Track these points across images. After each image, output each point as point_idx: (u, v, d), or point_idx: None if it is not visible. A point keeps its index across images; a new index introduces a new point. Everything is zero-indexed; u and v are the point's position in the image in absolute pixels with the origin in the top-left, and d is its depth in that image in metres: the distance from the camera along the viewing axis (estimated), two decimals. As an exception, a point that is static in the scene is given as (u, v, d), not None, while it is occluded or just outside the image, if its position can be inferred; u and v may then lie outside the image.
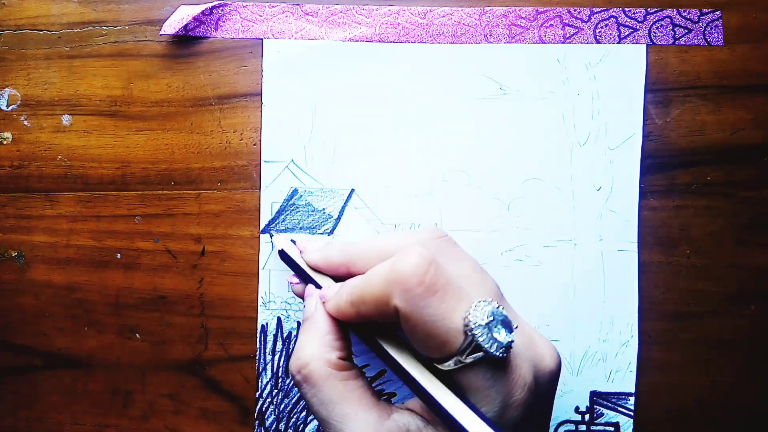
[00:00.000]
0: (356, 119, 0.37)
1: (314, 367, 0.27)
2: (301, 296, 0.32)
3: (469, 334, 0.24)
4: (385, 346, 0.27)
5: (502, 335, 0.24)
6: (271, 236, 0.36)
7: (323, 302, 0.29)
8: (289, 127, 0.37)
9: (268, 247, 0.36)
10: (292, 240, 0.34)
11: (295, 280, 0.33)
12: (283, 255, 0.33)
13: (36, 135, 0.37)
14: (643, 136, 0.36)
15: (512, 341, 0.24)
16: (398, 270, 0.24)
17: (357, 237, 0.36)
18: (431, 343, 0.24)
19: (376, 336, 0.27)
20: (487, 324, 0.24)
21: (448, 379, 0.25)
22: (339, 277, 0.30)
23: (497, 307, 0.24)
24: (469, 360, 0.24)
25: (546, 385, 0.27)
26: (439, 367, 0.24)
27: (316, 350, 0.28)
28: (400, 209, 0.36)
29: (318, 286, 0.30)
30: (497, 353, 0.24)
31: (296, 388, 0.36)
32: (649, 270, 0.36)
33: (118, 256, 0.37)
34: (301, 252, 0.32)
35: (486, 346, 0.23)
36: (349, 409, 0.26)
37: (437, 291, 0.24)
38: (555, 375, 0.27)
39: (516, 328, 0.25)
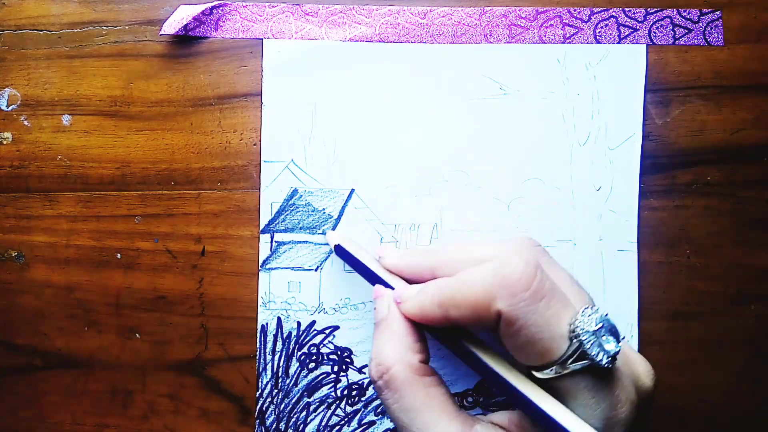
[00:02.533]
0: (356, 119, 0.37)
1: (396, 371, 0.26)
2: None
3: (575, 341, 0.23)
4: (476, 352, 0.26)
5: (610, 344, 0.23)
6: (324, 234, 0.35)
7: (398, 303, 0.28)
8: (289, 127, 0.37)
9: (267, 247, 0.36)
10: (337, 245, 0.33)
11: (381, 289, 0.32)
12: (341, 251, 0.32)
13: (36, 135, 0.37)
14: (643, 136, 0.36)
15: (619, 351, 0.23)
16: (504, 273, 0.24)
17: (359, 233, 0.36)
18: (533, 350, 0.23)
19: (462, 340, 0.26)
20: (595, 331, 0.23)
21: (543, 388, 0.24)
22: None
23: (605, 315, 0.24)
24: (573, 368, 0.23)
25: (644, 404, 0.26)
26: (537, 374, 0.24)
27: (397, 354, 0.26)
28: (400, 209, 0.36)
29: (387, 286, 0.29)
30: (604, 362, 0.23)
31: (291, 388, 0.36)
32: (649, 270, 0.36)
33: (118, 256, 0.37)
34: (380, 258, 0.31)
35: (593, 353, 0.23)
36: (432, 418, 0.25)
37: (544, 296, 0.23)
38: (652, 395, 0.26)
39: (623, 338, 0.24)
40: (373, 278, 0.30)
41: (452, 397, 0.27)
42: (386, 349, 0.27)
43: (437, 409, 0.25)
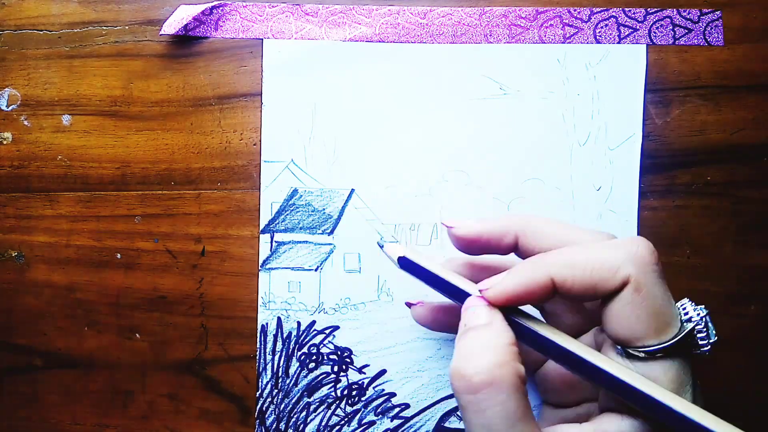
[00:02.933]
0: (356, 119, 0.37)
1: (507, 371, 0.23)
2: (423, 322, 0.32)
3: (687, 324, 0.24)
4: (565, 344, 0.25)
5: (713, 333, 0.25)
6: (381, 246, 0.30)
7: (484, 291, 0.26)
8: (289, 127, 0.37)
9: (267, 247, 0.36)
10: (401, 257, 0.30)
11: (415, 302, 0.31)
12: (406, 263, 0.29)
13: (36, 135, 0.37)
14: (643, 136, 0.36)
15: (716, 341, 0.25)
16: (635, 245, 0.24)
17: (359, 233, 0.36)
18: (655, 322, 0.24)
19: (543, 333, 0.25)
20: (703, 317, 0.24)
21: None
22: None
23: (702, 307, 0.25)
24: (678, 348, 0.24)
25: None
26: (641, 351, 0.24)
27: (508, 356, 0.24)
28: (400, 209, 0.36)
29: (461, 294, 0.27)
30: (706, 349, 0.24)
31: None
32: (649, 270, 0.36)
33: (118, 256, 0.37)
34: (451, 228, 0.29)
35: (700, 337, 0.24)
36: (532, 429, 0.23)
37: (664, 277, 0.24)
38: None
39: (715, 336, 0.25)
40: (446, 288, 0.28)
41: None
42: (492, 351, 0.24)
43: (533, 422, 0.23)
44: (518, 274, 0.25)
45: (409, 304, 0.34)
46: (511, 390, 0.23)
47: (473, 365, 0.23)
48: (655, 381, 0.24)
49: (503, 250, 0.28)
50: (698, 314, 0.24)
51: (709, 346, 0.24)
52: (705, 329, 0.24)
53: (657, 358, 0.24)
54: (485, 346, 0.24)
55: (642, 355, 0.24)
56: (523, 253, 0.28)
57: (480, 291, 0.26)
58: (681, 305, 0.25)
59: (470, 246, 0.29)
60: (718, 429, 0.23)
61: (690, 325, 0.24)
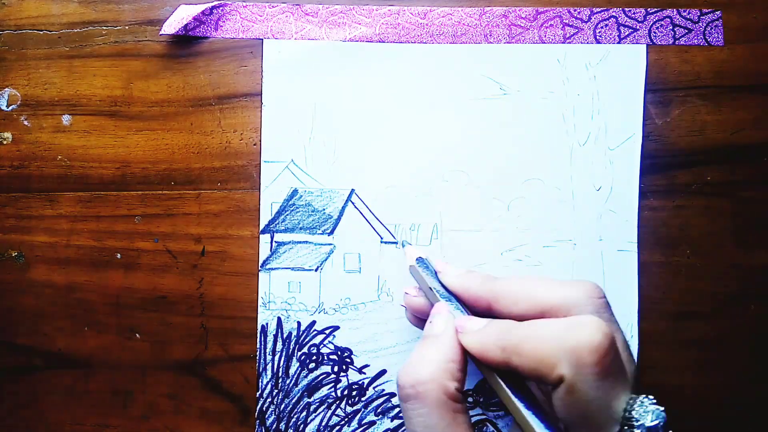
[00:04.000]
0: (356, 119, 0.37)
1: (431, 388, 0.25)
2: (413, 309, 0.32)
3: (628, 429, 0.23)
4: (516, 401, 0.25)
5: None
6: (403, 246, 0.35)
7: (458, 332, 0.27)
8: (289, 127, 0.37)
9: (267, 247, 0.36)
10: (419, 258, 0.33)
11: (413, 292, 0.32)
12: (414, 269, 0.32)
13: (36, 135, 0.37)
14: (643, 136, 0.36)
15: None
16: (578, 340, 0.23)
17: (359, 233, 0.36)
18: (585, 425, 0.23)
19: (509, 385, 0.26)
20: (650, 428, 0.23)
21: None
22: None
23: (662, 411, 0.23)
24: None
25: None
26: None
27: (437, 372, 0.26)
28: (400, 209, 0.36)
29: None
30: None
31: (290, 393, 0.36)
32: (649, 270, 0.36)
33: (118, 256, 0.37)
34: (437, 272, 0.31)
35: None
36: None
37: (609, 375, 0.23)
38: None
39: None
40: (439, 298, 0.30)
41: (473, 428, 0.27)
42: (428, 365, 0.26)
43: None
44: (481, 343, 0.27)
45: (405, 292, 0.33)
46: (433, 406, 0.25)
47: (408, 376, 0.26)
48: None
49: (481, 310, 0.29)
50: (641, 424, 0.23)
51: None
52: None
53: None
54: (426, 359, 0.27)
55: None
56: (499, 317, 0.28)
57: (456, 328, 0.28)
58: (629, 407, 0.23)
59: (456, 295, 0.30)
60: None
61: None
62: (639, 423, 0.23)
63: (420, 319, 0.32)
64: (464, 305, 0.30)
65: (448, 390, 0.26)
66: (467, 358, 0.27)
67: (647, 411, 0.23)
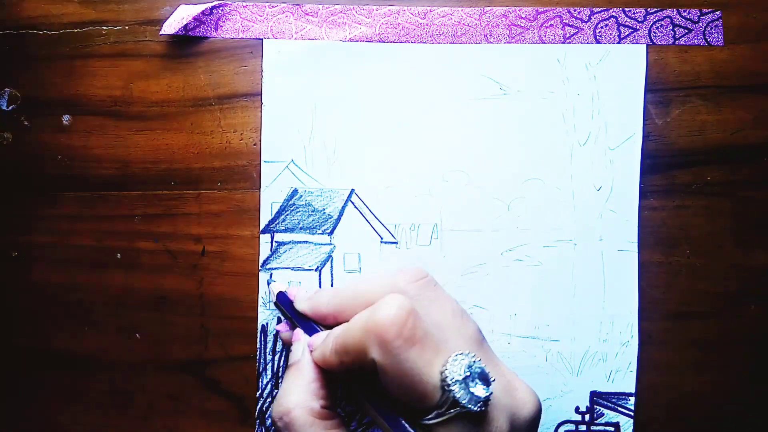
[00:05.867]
0: (356, 119, 0.37)
1: (296, 414, 0.27)
2: (289, 344, 0.32)
3: (447, 389, 0.23)
4: (366, 400, 0.27)
5: (479, 390, 0.24)
6: (269, 283, 0.36)
7: (311, 350, 0.29)
8: (289, 127, 0.37)
9: (267, 247, 0.36)
10: (279, 292, 0.34)
11: (284, 328, 0.33)
12: (281, 301, 0.33)
13: (36, 135, 0.37)
14: (643, 136, 0.36)
15: (490, 395, 0.24)
16: (375, 320, 0.24)
17: (359, 233, 0.36)
18: (409, 397, 0.24)
19: (358, 389, 0.27)
20: (464, 379, 0.23)
21: None
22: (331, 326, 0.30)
23: (474, 360, 0.24)
24: (448, 415, 0.23)
25: (525, 431, 0.27)
26: (422, 421, 0.24)
27: (300, 397, 0.28)
28: (400, 209, 0.36)
29: (309, 334, 0.31)
30: (475, 408, 0.23)
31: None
32: (649, 270, 0.36)
33: (118, 256, 0.37)
34: (291, 301, 0.32)
35: (463, 401, 0.23)
36: None
37: (416, 343, 0.24)
38: (534, 421, 0.27)
39: (494, 380, 0.25)
40: (300, 325, 0.32)
41: None
42: (290, 393, 0.28)
43: None
44: (321, 352, 0.28)
45: (275, 330, 0.35)
46: (303, 428, 0.27)
47: (277, 409, 0.28)
48: None
49: (335, 325, 0.30)
50: (454, 380, 0.23)
51: (479, 405, 0.23)
52: (467, 395, 0.23)
53: (434, 427, 0.24)
54: (289, 386, 0.28)
55: (424, 422, 0.24)
56: None
57: (308, 348, 0.30)
58: (443, 368, 0.24)
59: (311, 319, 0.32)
60: None
61: (447, 393, 0.23)
62: (453, 380, 0.23)
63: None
64: (321, 326, 0.31)
65: (314, 410, 0.27)
66: (331, 376, 0.29)
67: (459, 365, 0.24)
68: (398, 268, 0.30)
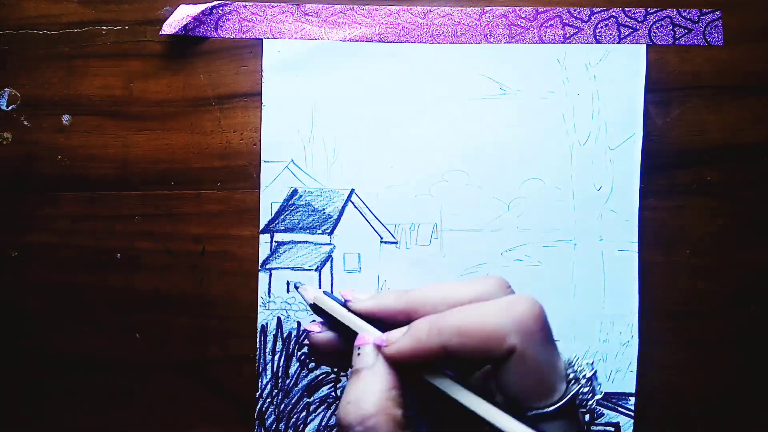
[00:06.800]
0: (356, 119, 0.37)
1: (380, 421, 0.26)
2: (321, 346, 0.30)
3: (574, 383, 0.25)
4: (462, 397, 0.26)
5: (598, 389, 0.26)
6: (297, 288, 0.32)
7: (383, 346, 0.28)
8: (289, 127, 0.37)
9: (267, 247, 0.36)
10: (325, 291, 0.32)
11: (317, 329, 0.31)
12: (317, 307, 0.31)
13: (36, 135, 0.37)
14: (643, 136, 0.36)
15: (602, 396, 0.26)
16: (521, 311, 0.25)
17: (359, 233, 0.36)
18: (539, 388, 0.25)
19: (453, 384, 0.26)
20: (590, 377, 0.25)
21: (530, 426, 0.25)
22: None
23: (591, 363, 0.26)
24: (564, 406, 0.25)
25: None
26: (537, 412, 0.25)
27: (382, 403, 0.26)
28: (400, 209, 0.36)
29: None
30: (592, 405, 0.25)
31: (296, 393, 0.36)
32: (649, 270, 0.36)
33: (118, 256, 0.37)
34: (347, 301, 0.30)
35: (587, 397, 0.25)
36: None
37: (551, 340, 0.25)
38: None
39: (600, 385, 0.27)
40: (347, 330, 0.30)
41: None
42: (371, 397, 0.26)
43: None
44: (413, 337, 0.27)
45: (306, 330, 0.32)
46: None
47: (353, 414, 0.26)
48: None
49: (400, 325, 0.29)
50: (584, 375, 0.25)
51: (594, 404, 0.26)
52: (590, 391, 0.25)
53: (544, 418, 0.25)
54: (366, 391, 0.27)
55: (538, 412, 0.25)
56: None
57: (377, 345, 0.28)
58: (568, 365, 0.26)
59: (370, 317, 0.30)
60: None
61: (575, 388, 0.25)
62: (582, 374, 0.25)
63: (325, 355, 0.31)
64: (379, 329, 0.29)
65: (396, 418, 0.26)
66: (405, 384, 0.28)
67: (584, 366, 0.26)
68: (482, 276, 0.31)
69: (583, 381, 0.25)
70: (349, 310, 0.30)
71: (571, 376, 0.25)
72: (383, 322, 0.29)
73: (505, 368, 0.25)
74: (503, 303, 0.26)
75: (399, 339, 0.27)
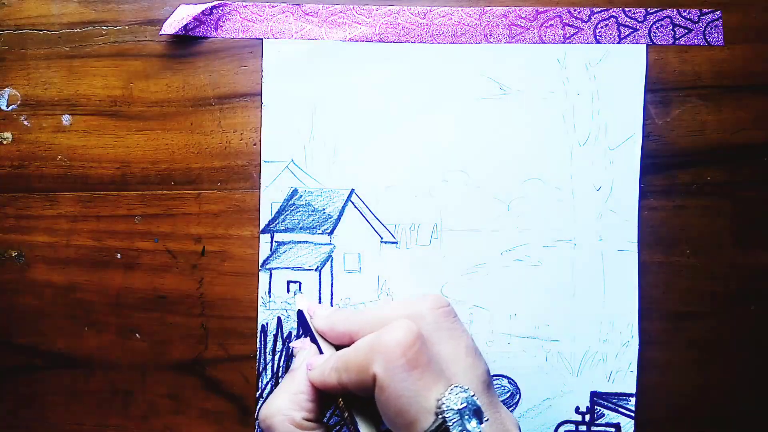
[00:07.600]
0: (356, 119, 0.37)
1: (277, 420, 0.29)
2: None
3: (440, 416, 0.24)
4: (352, 421, 0.28)
5: (472, 424, 0.24)
6: (295, 294, 0.36)
7: (309, 369, 0.30)
8: (289, 127, 0.37)
9: (267, 247, 0.36)
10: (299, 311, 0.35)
11: (299, 345, 0.33)
12: (301, 316, 0.34)
13: (36, 135, 0.37)
14: (643, 136, 0.36)
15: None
16: (383, 339, 0.25)
17: (359, 233, 0.36)
18: (400, 420, 0.25)
19: (352, 411, 0.28)
20: (459, 410, 0.24)
21: None
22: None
23: (472, 396, 0.25)
24: None
25: None
26: None
27: (285, 405, 0.29)
28: (400, 209, 0.36)
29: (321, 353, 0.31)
30: None
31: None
32: (649, 270, 0.36)
33: (118, 256, 0.37)
34: (310, 316, 0.33)
35: (455, 431, 0.24)
36: None
37: (417, 367, 0.25)
38: None
39: (486, 420, 0.25)
40: (315, 342, 0.32)
41: None
42: (278, 399, 0.30)
43: None
44: (320, 370, 0.29)
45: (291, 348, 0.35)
46: None
47: (263, 410, 0.30)
48: None
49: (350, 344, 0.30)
50: (451, 407, 0.24)
51: None
52: (459, 423, 0.24)
53: None
54: (279, 393, 0.30)
55: None
56: None
57: (307, 366, 0.31)
58: (441, 396, 0.24)
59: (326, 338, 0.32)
60: None
61: (440, 419, 0.24)
62: (448, 408, 0.24)
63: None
64: (334, 348, 0.31)
65: (294, 420, 0.28)
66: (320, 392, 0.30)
67: (456, 396, 0.24)
68: (422, 295, 0.31)
69: (449, 414, 0.24)
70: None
71: (443, 407, 0.24)
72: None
73: (375, 398, 0.25)
74: (374, 335, 0.26)
75: (315, 369, 0.30)
